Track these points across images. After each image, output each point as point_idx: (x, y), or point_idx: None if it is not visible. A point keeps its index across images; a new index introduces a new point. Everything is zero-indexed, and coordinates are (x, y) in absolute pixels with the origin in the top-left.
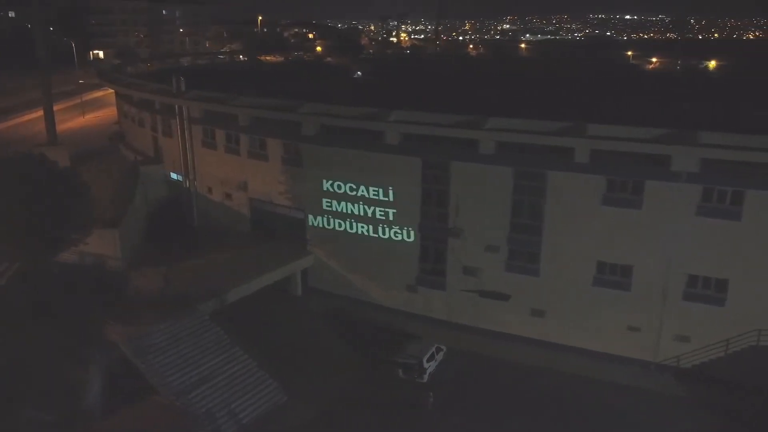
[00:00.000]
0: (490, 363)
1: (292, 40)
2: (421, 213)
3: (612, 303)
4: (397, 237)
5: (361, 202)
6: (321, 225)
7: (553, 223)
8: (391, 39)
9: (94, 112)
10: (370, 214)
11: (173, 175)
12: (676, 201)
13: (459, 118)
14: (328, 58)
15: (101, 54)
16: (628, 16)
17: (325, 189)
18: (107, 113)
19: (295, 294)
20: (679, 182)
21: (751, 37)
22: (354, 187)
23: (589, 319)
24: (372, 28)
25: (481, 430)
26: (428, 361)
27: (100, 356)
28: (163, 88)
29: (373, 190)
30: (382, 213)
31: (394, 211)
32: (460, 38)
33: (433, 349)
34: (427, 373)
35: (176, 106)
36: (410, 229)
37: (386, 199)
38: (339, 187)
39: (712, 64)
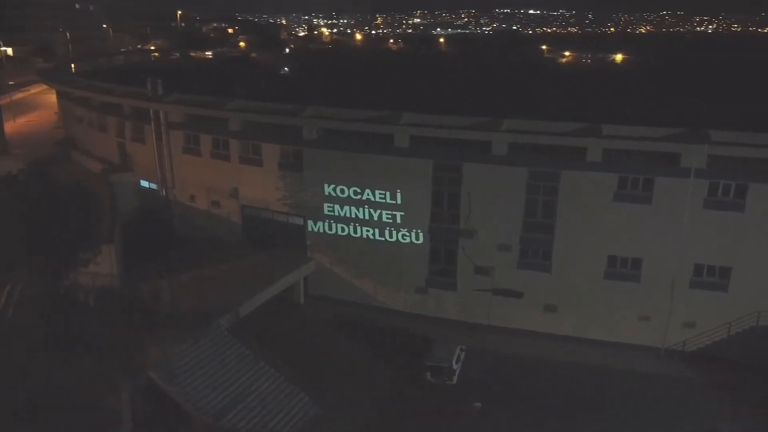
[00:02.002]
0: (509, 360)
1: (211, 35)
2: (431, 215)
3: (623, 295)
4: (405, 240)
5: (366, 206)
6: (323, 230)
7: (565, 221)
8: (303, 34)
9: (23, 115)
10: (376, 218)
11: (145, 184)
12: (685, 195)
13: (473, 120)
14: (253, 54)
15: (9, 51)
16: (531, 11)
17: (327, 193)
18: (39, 117)
19: (297, 302)
20: (688, 178)
21: (643, 31)
22: (359, 190)
23: (601, 312)
24: (283, 22)
25: (526, 428)
26: (456, 362)
27: (131, 383)
28: (135, 92)
29: (380, 193)
30: (390, 216)
31: (402, 213)
32: (373, 32)
33: (458, 350)
34: (456, 375)
35: (151, 111)
36: (419, 231)
37: (394, 201)
38: (343, 191)
39: (619, 57)
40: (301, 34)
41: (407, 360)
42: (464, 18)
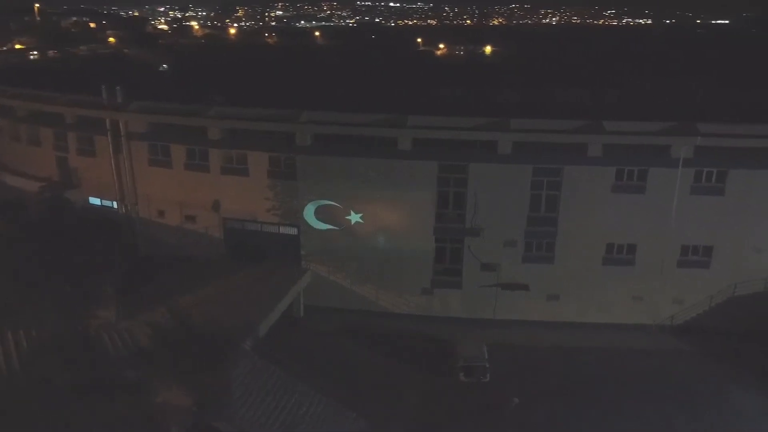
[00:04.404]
0: (521, 350)
1: (72, 30)
2: (436, 216)
3: (619, 278)
4: (409, 243)
5: (368, 211)
6: (321, 239)
7: (567, 213)
8: (160, 27)
9: None
10: (378, 223)
11: (95, 201)
12: (674, 183)
13: (478, 120)
14: (126, 50)
15: None
16: (392, 4)
17: (325, 200)
18: None
19: (297, 315)
20: (677, 168)
21: (496, 23)
22: (359, 195)
23: (599, 296)
24: (136, 14)
25: (570, 417)
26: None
27: (181, 424)
28: (86, 100)
29: (382, 197)
30: (393, 220)
31: (406, 217)
32: (235, 25)
33: (485, 347)
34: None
35: (108, 121)
36: (424, 232)
37: (396, 205)
38: (342, 197)
39: (488, 49)
40: (161, 27)
41: (431, 362)
42: (326, 10)
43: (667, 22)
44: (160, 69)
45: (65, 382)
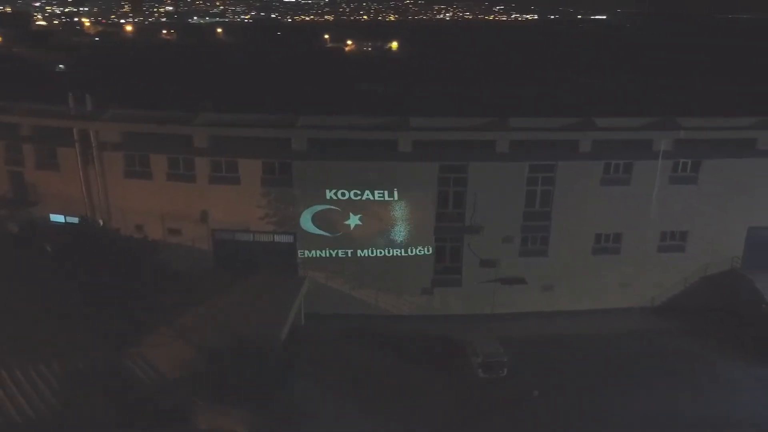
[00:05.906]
0: (522, 343)
1: None
2: (436, 216)
3: (607, 266)
4: (410, 243)
5: (367, 213)
6: (317, 245)
7: (560, 207)
8: (39, 23)
9: None
10: (378, 226)
11: (58, 218)
12: (655, 174)
13: (478, 120)
14: (14, 50)
15: None
16: None
17: (323, 206)
18: None
19: (297, 323)
20: (657, 159)
21: (392, 18)
22: (359, 199)
23: (589, 284)
24: (9, 10)
25: (589, 402)
26: None
27: None
28: (46, 109)
29: (381, 199)
30: (393, 221)
31: (407, 218)
32: (122, 21)
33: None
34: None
35: (75, 131)
36: (425, 233)
37: (396, 207)
38: (341, 201)
39: (395, 45)
40: (39, 23)
41: (442, 361)
42: (219, 6)
43: (552, 17)
44: (57, 69)
45: (109, 417)
